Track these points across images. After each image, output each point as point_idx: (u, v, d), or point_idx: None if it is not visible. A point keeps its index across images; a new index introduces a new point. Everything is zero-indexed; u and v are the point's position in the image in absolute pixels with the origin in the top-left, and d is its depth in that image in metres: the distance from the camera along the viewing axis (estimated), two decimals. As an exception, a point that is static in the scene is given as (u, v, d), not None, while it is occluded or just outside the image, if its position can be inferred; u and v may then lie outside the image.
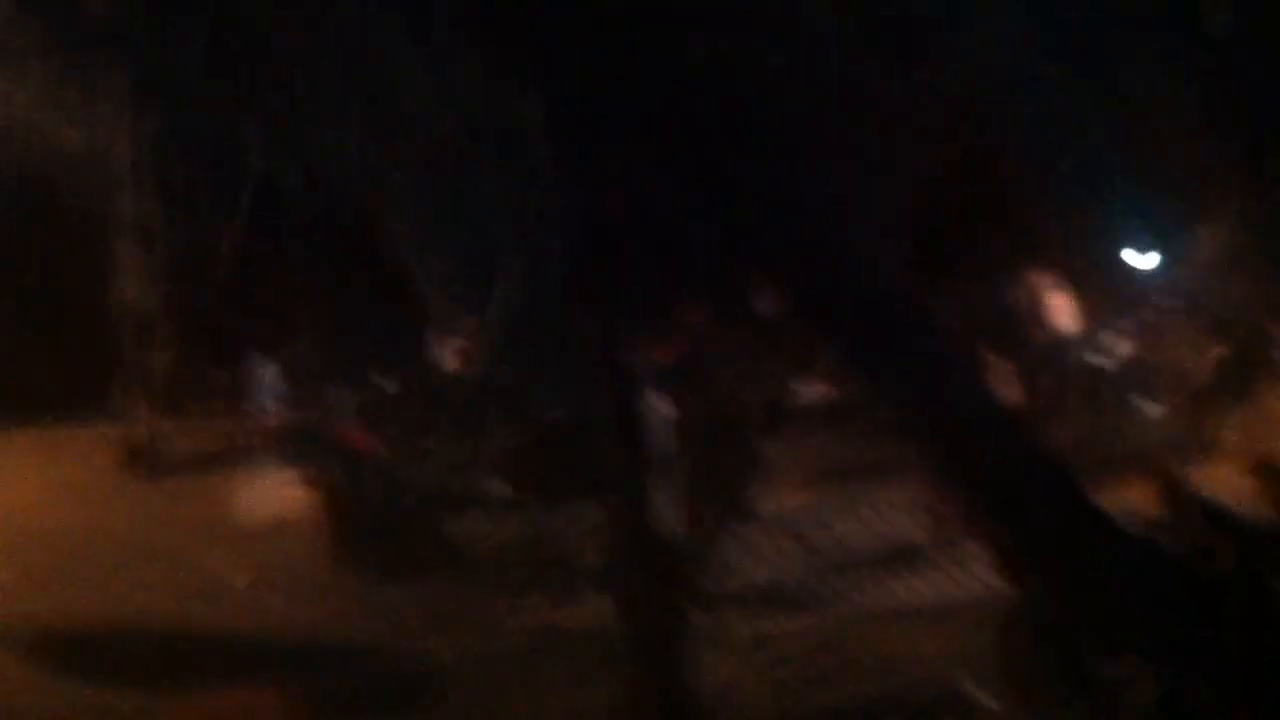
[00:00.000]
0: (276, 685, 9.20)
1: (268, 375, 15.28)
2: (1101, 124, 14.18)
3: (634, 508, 8.59)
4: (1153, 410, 13.00)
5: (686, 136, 5.34)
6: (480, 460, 12.99)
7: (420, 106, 12.57)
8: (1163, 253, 14.48)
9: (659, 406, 11.93)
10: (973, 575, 11.05)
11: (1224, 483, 11.32)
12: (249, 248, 11.93)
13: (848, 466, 13.82)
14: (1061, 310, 13.60)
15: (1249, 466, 11.64)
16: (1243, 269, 12.98)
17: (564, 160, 8.38)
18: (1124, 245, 14.38)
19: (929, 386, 5.42)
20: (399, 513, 12.44)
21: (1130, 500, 9.26)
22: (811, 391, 14.66)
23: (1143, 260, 14.25)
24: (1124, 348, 13.67)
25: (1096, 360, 13.64)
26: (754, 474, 12.74)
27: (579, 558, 11.63)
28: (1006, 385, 12.41)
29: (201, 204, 12.30)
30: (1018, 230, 14.37)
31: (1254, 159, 12.27)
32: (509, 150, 12.19)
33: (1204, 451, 12.75)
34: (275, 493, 15.00)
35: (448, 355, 13.42)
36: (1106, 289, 14.31)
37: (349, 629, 11.27)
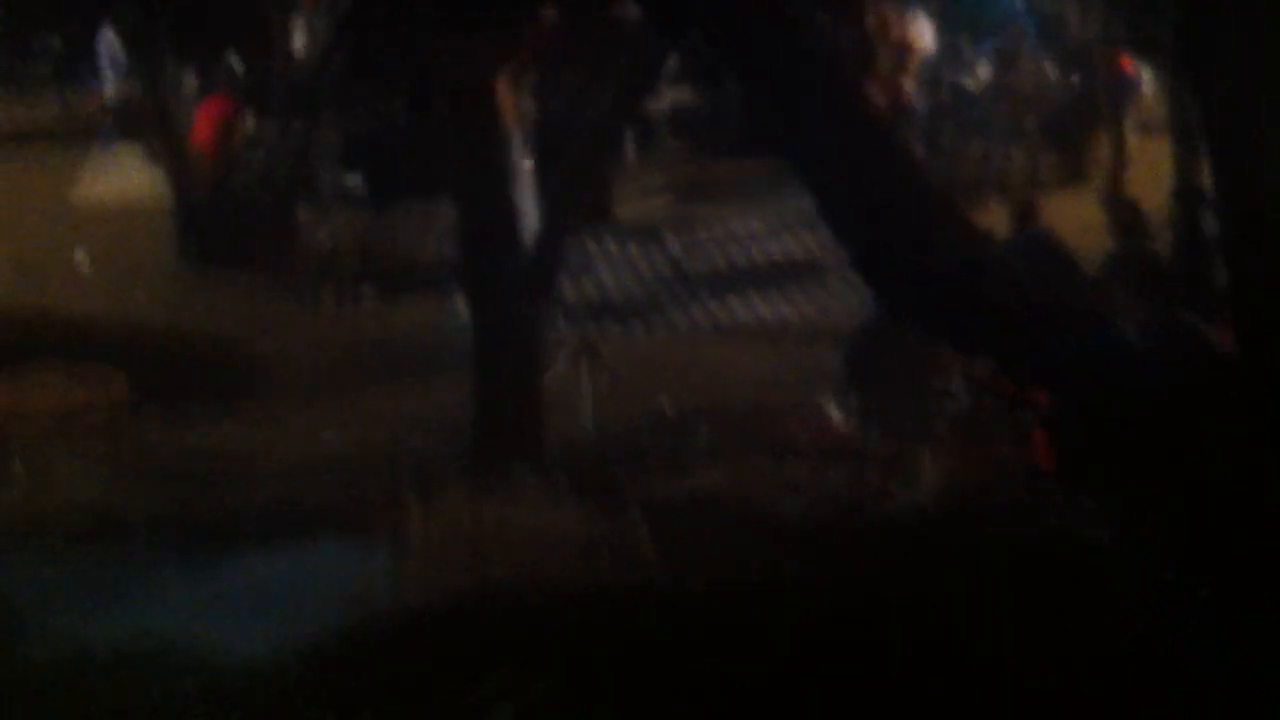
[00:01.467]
0: (107, 362, 9.02)
1: (104, 43, 14.60)
2: None
3: (481, 206, 8.43)
4: (1012, 137, 13.05)
5: None
6: (321, 150, 12.63)
7: None
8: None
9: (512, 104, 11.68)
10: (819, 299, 11.15)
11: (1076, 210, 11.54)
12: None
13: (714, 179, 13.76)
14: (925, 29, 13.47)
15: (1099, 197, 11.85)
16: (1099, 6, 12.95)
17: None
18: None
19: (788, 91, 5.26)
20: (238, 198, 12.08)
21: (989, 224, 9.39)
22: (677, 96, 14.42)
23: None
24: (987, 72, 13.64)
25: (964, 82, 13.61)
26: (613, 178, 12.58)
27: (416, 253, 11.46)
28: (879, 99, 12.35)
29: None
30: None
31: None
32: None
33: (1060, 179, 12.91)
34: (114, 170, 14.57)
35: (292, 34, 12.90)
36: (971, 11, 14.20)
37: (178, 313, 11.09)
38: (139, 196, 13.49)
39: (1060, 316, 5.48)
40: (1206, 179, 6.97)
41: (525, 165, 12.28)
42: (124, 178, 14.25)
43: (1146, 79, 13.33)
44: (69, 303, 11.21)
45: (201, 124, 12.46)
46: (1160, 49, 12.47)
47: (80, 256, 12.11)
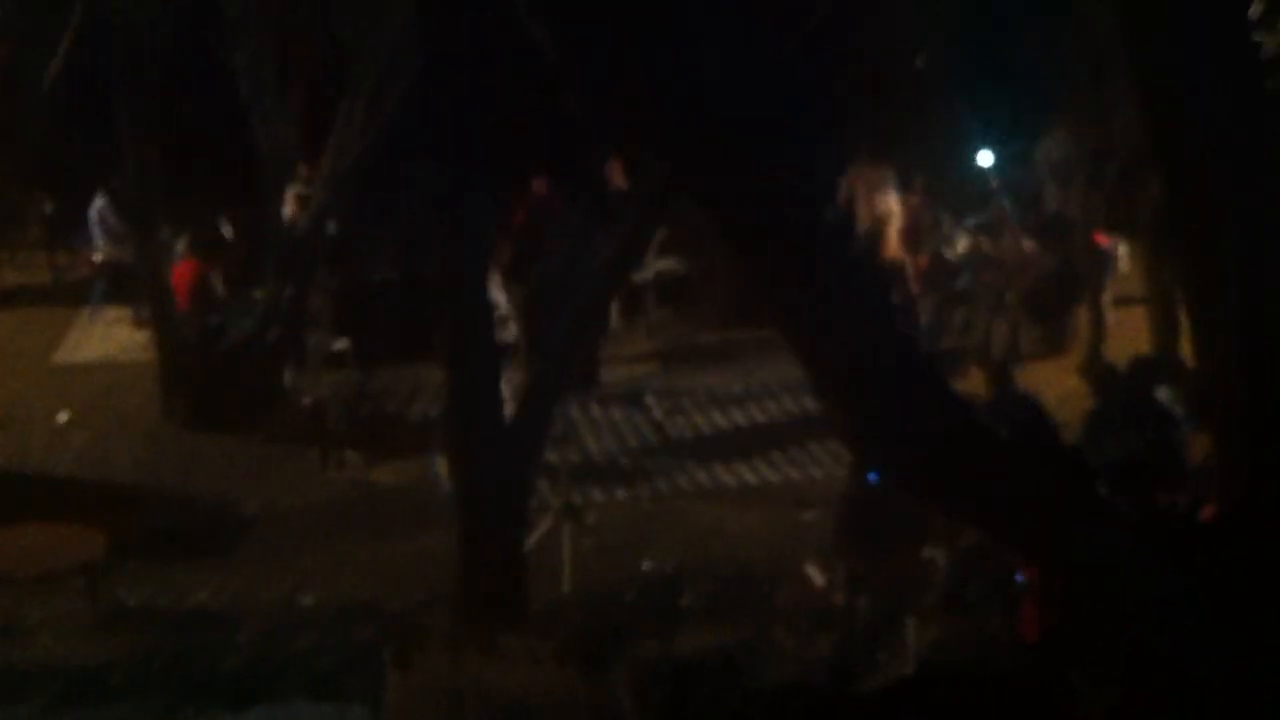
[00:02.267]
0: (87, 522, 8.98)
1: (96, 209, 14.76)
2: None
3: (466, 372, 8.47)
4: (994, 309, 13.22)
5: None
6: (307, 312, 12.74)
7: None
8: (1006, 159, 14.69)
9: (498, 272, 11.84)
10: (803, 463, 11.18)
11: (1057, 379, 11.66)
12: (76, 71, 11.39)
13: (696, 345, 13.89)
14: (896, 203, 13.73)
15: (1079, 366, 11.98)
16: (1078, 182, 13.23)
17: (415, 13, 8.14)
18: (973, 147, 14.52)
19: (785, 265, 5.35)
20: (223, 359, 12.14)
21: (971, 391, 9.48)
22: (660, 266, 14.60)
23: (988, 164, 14.43)
24: (970, 246, 13.85)
25: (948, 253, 13.82)
26: (597, 345, 12.69)
27: (403, 416, 11.49)
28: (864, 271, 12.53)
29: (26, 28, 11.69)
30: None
31: (1095, 75, 12.46)
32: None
33: (1039, 349, 13.04)
34: (101, 331, 14.66)
35: (283, 202, 13.08)
36: (957, 187, 14.48)
37: (162, 472, 11.08)
38: (126, 358, 13.58)
39: (1044, 485, 5.51)
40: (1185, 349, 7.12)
41: (512, 331, 12.54)
42: (112, 339, 14.34)
43: (1123, 254, 13.57)
44: (52, 463, 11.24)
45: (177, 285, 12.60)
46: (1138, 229, 12.78)
47: (63, 416, 12.13)
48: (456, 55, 8.08)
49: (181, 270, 12.79)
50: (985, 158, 14.46)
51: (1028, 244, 13.46)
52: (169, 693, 7.32)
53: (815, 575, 8.57)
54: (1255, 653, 5.05)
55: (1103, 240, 13.05)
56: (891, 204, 13.32)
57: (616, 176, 13.74)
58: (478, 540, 8.26)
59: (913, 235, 13.76)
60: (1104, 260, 13.11)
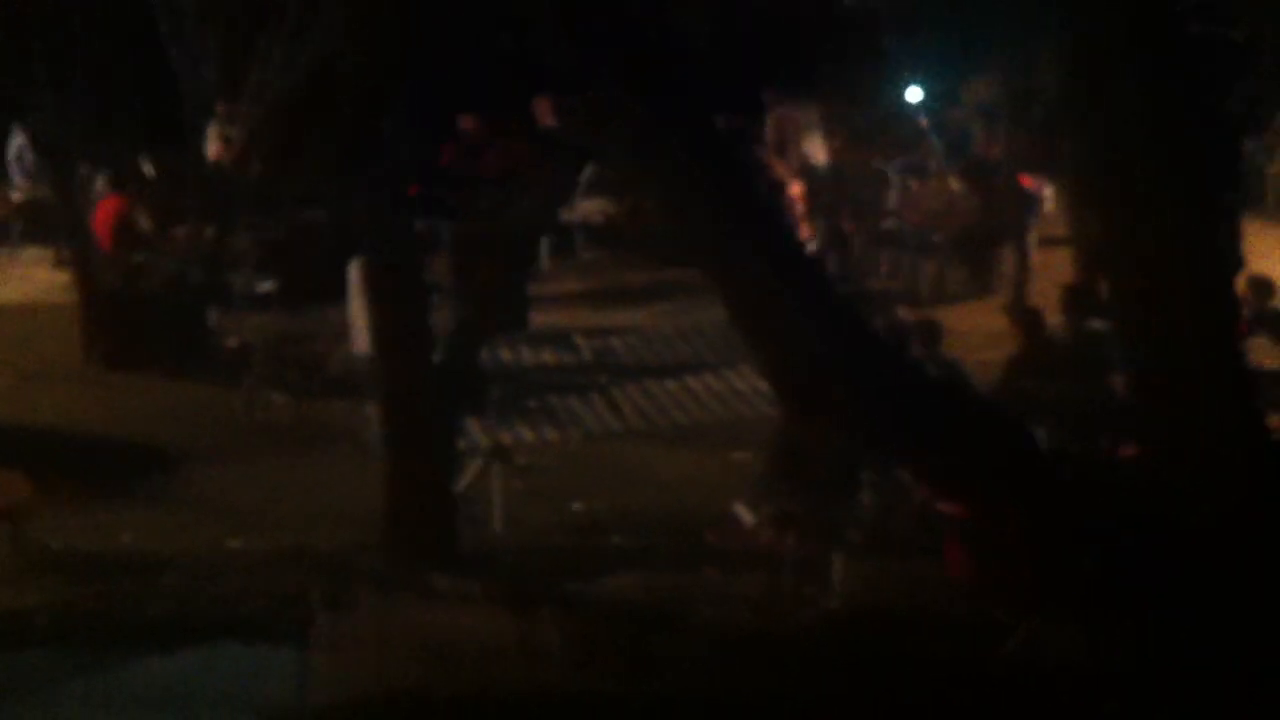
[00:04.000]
0: (9, 465, 8.85)
1: (14, 147, 14.50)
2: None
3: (393, 312, 8.41)
4: (921, 249, 13.30)
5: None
6: (231, 253, 12.59)
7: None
8: (934, 100, 14.72)
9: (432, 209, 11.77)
10: (733, 403, 11.22)
11: (983, 320, 11.76)
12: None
13: (626, 285, 13.87)
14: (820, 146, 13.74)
15: (1003, 306, 12.08)
16: (1004, 126, 13.29)
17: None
18: (901, 85, 14.55)
19: (726, 217, 5.37)
20: (145, 300, 11.98)
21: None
22: (589, 207, 14.56)
23: (916, 100, 14.46)
24: (896, 184, 13.92)
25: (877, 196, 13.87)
26: (526, 285, 12.65)
27: (326, 359, 11.39)
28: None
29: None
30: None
31: (1023, 19, 12.48)
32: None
33: (966, 290, 13.15)
34: (20, 272, 14.43)
35: (206, 141, 12.91)
36: (890, 128, 14.51)
37: (85, 415, 10.94)
38: (47, 299, 13.38)
39: (971, 425, 5.58)
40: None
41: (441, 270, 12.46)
42: (31, 280, 14.12)
43: (1048, 195, 13.68)
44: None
45: (99, 225, 12.39)
46: (1060, 170, 12.87)
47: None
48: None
49: (105, 208, 12.57)
50: (913, 94, 14.49)
51: (954, 185, 13.54)
52: (95, 637, 7.25)
53: (745, 515, 8.63)
54: (1184, 585, 5.15)
55: (1028, 182, 13.14)
56: (817, 147, 13.29)
57: (545, 115, 13.65)
58: (407, 482, 8.25)
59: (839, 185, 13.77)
60: (1029, 202, 13.21)
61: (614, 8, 5.18)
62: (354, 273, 10.97)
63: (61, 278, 13.31)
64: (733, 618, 7.54)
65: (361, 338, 9.88)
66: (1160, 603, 5.19)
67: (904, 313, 10.94)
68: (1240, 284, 9.23)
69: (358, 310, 10.90)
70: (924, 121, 14.27)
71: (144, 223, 12.78)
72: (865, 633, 7.34)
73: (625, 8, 5.15)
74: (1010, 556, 6.43)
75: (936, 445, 5.59)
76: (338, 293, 11.39)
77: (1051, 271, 12.39)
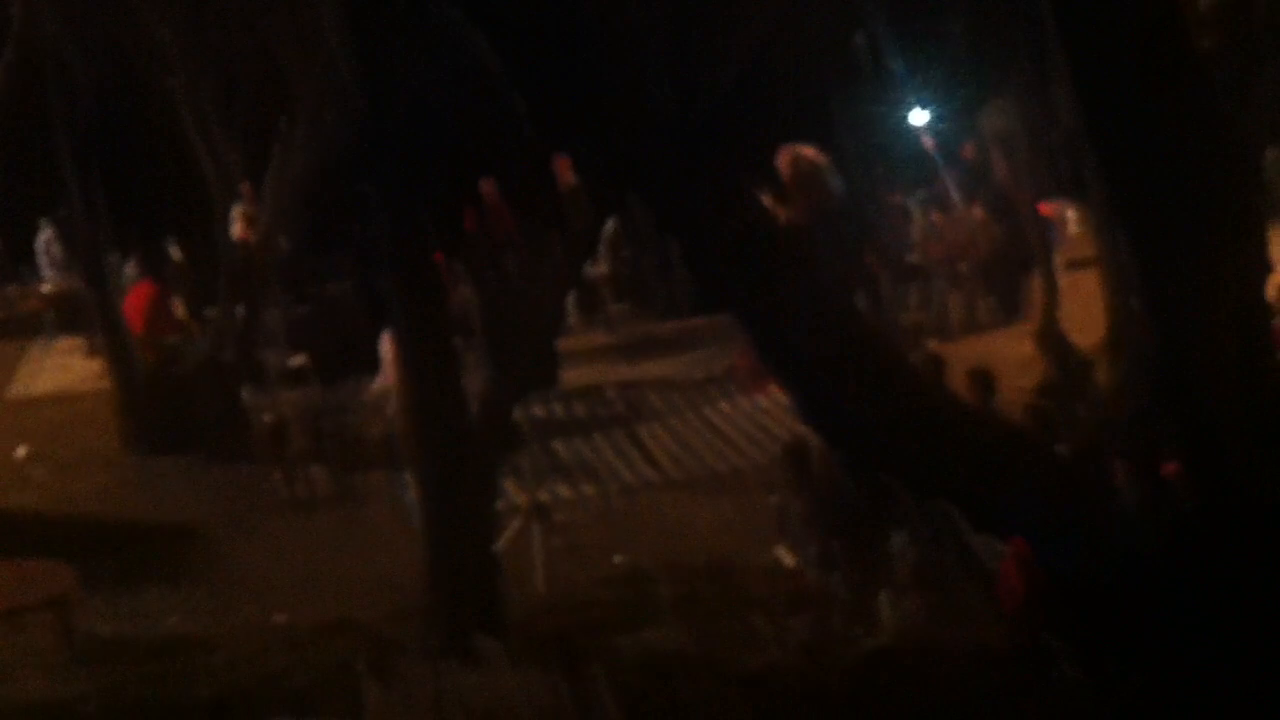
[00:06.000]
0: (53, 556, 8.90)
1: (42, 240, 14.66)
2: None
3: (425, 378, 8.42)
4: (944, 282, 13.27)
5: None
6: (262, 330, 12.68)
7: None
8: (952, 131, 14.72)
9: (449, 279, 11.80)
10: (769, 446, 11.17)
11: (1013, 347, 11.71)
12: (11, 104, 11.31)
13: (655, 336, 13.88)
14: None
15: (1034, 332, 12.03)
16: (1022, 152, 13.26)
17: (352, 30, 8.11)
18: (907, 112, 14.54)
19: (730, 256, 5.38)
20: (179, 382, 12.05)
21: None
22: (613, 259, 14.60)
23: (929, 136, 14.46)
24: (918, 218, 13.90)
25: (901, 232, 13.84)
26: (555, 342, 12.65)
27: (362, 430, 11.42)
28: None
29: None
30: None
31: (1035, 45, 12.48)
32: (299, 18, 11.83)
33: (995, 318, 13.10)
34: (55, 363, 14.55)
35: (231, 222, 13.01)
36: (901, 162, 14.52)
37: (125, 501, 10.98)
38: (82, 388, 13.47)
39: (1010, 457, 5.53)
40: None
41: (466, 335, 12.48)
42: (66, 370, 14.24)
43: (1071, 218, 13.62)
44: (13, 498, 11.13)
45: (131, 311, 12.49)
46: (1085, 191, 12.82)
47: (21, 451, 12.02)
48: (396, 69, 8.06)
49: (137, 294, 12.67)
50: (918, 117, 14.47)
51: (977, 214, 13.51)
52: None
53: (786, 557, 8.58)
54: (1232, 619, 5.07)
55: (1047, 210, 13.09)
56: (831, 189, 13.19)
57: (565, 173, 13.72)
58: (447, 546, 8.24)
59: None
60: (1050, 229, 13.17)
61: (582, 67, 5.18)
62: (384, 345, 11.06)
63: (96, 366, 13.42)
64: (784, 662, 7.48)
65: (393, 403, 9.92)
66: (1207, 636, 5.12)
67: (935, 347, 10.92)
68: (1270, 290, 9.17)
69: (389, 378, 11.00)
70: (930, 143, 14.24)
71: (177, 307, 12.90)
72: (915, 667, 7.27)
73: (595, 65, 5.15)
74: (1059, 588, 6.37)
75: (976, 479, 5.54)
76: (370, 364, 11.45)
77: (1080, 294, 12.33)
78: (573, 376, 12.83)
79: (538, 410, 12.05)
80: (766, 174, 13.58)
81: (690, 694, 6.94)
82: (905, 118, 14.25)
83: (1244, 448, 5.02)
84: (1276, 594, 5.00)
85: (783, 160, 13.08)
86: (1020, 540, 6.60)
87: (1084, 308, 10.75)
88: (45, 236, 15.05)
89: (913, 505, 8.12)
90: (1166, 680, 5.30)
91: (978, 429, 5.70)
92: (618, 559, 9.32)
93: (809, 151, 12.84)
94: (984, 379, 8.61)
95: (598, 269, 14.37)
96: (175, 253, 14.06)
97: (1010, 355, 11.36)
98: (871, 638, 7.68)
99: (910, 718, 6.74)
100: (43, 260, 15.26)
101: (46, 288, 15.24)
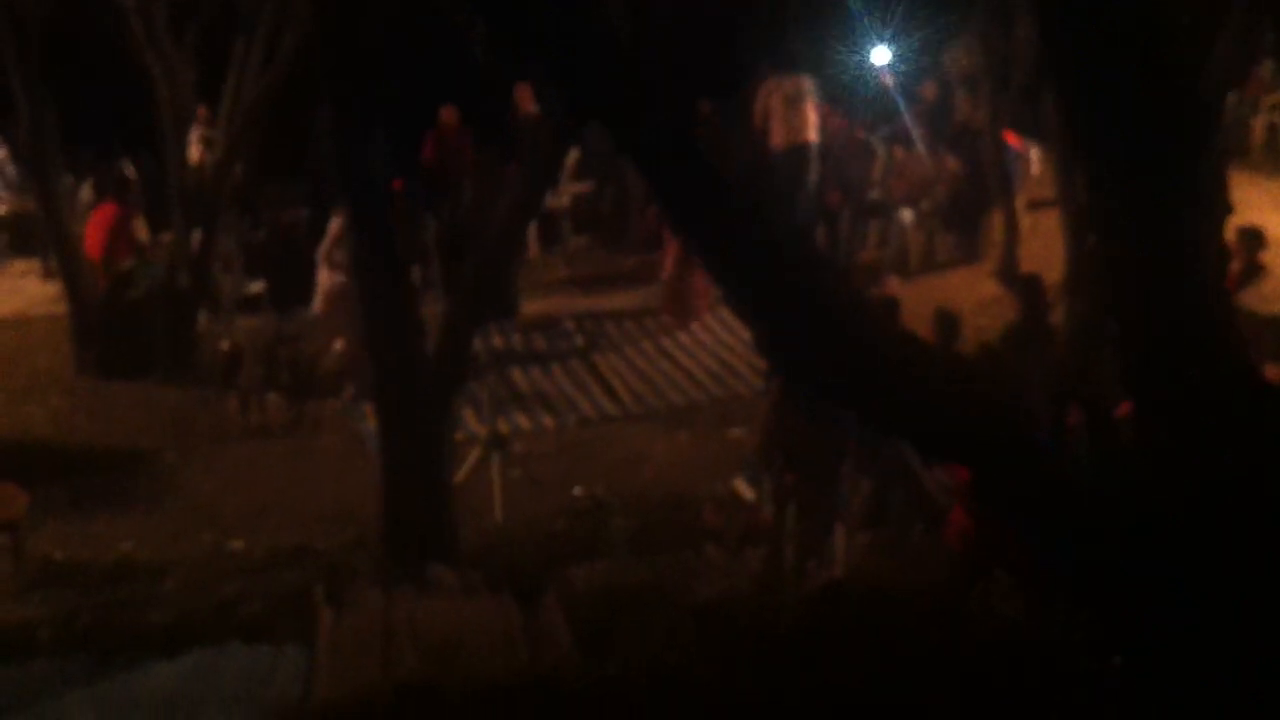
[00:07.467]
0: (7, 479, 8.84)
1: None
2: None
3: (382, 306, 8.38)
4: (908, 218, 13.28)
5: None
6: (218, 256, 12.57)
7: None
8: (909, 68, 14.69)
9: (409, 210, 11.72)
10: (728, 381, 11.21)
11: (973, 286, 11.76)
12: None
13: (615, 269, 13.85)
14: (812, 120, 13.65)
15: (994, 271, 12.07)
16: (982, 87, 13.25)
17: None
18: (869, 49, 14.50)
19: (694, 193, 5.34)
20: (134, 307, 11.95)
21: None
22: (574, 189, 14.54)
23: (883, 63, 14.41)
24: (885, 156, 13.88)
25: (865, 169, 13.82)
26: (514, 273, 12.62)
27: (319, 361, 11.38)
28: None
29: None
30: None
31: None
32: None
33: (955, 257, 13.13)
34: (9, 285, 14.39)
35: (187, 145, 12.86)
36: (867, 100, 14.48)
37: (79, 426, 10.94)
38: (36, 311, 13.35)
39: (967, 391, 5.55)
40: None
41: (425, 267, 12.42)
42: (20, 292, 14.10)
43: (1035, 157, 13.64)
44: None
45: (92, 233, 12.34)
46: (1045, 132, 12.83)
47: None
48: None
49: (100, 216, 12.52)
50: (880, 55, 14.42)
51: (939, 152, 13.50)
52: (100, 645, 7.24)
53: (744, 490, 8.62)
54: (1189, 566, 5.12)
55: (1014, 140, 13.08)
56: (810, 117, 13.13)
57: (526, 101, 13.61)
58: (404, 475, 8.23)
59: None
60: (1015, 162, 13.17)
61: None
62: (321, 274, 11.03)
63: (51, 289, 13.30)
64: (736, 594, 7.53)
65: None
66: (1159, 577, 5.17)
67: (895, 284, 10.94)
68: (1230, 235, 9.22)
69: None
70: (888, 79, 14.20)
71: (140, 229, 12.75)
72: (864, 603, 7.33)
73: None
74: (1009, 520, 6.42)
75: (932, 416, 5.56)
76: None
77: (1040, 235, 12.38)
78: (532, 308, 12.81)
79: (496, 341, 12.03)
80: (732, 107, 13.58)
81: (643, 625, 6.97)
82: (867, 54, 14.20)
83: (1198, 388, 5.05)
84: (1228, 535, 5.06)
85: (755, 95, 13.02)
86: (970, 479, 6.65)
87: (1046, 247, 10.78)
88: (-1, 155, 14.85)
89: (868, 442, 8.18)
90: (1111, 616, 5.35)
91: (934, 367, 5.71)
92: (576, 490, 9.35)
93: (780, 87, 12.78)
94: (949, 320, 8.64)
95: (558, 201, 14.31)
96: (130, 173, 13.87)
97: (971, 294, 11.42)
98: (823, 572, 7.75)
99: (859, 651, 6.79)
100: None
101: (1, 209, 15.05)
